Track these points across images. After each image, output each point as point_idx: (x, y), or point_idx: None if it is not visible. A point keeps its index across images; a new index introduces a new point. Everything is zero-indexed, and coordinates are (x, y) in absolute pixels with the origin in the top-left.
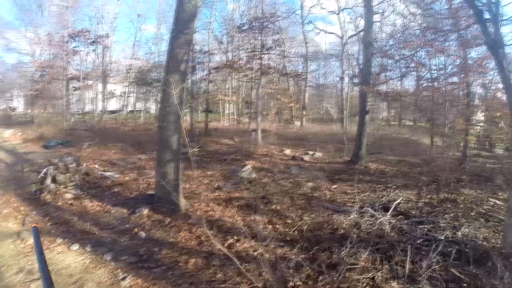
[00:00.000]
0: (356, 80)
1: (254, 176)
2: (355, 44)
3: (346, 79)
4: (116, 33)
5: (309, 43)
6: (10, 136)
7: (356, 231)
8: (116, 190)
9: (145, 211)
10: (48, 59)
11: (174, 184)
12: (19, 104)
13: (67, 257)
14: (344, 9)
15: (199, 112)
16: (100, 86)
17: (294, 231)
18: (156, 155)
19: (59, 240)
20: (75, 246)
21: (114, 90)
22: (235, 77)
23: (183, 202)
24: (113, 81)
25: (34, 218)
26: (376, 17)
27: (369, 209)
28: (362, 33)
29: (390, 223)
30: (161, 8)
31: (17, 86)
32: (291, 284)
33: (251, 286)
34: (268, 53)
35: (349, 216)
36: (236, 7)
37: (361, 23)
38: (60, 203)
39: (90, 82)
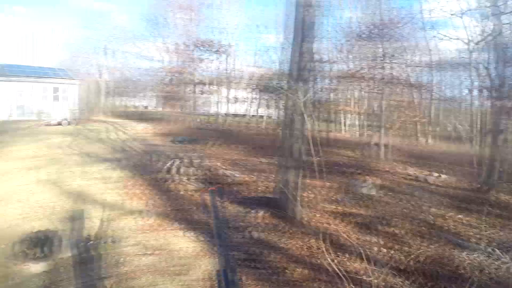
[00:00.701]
0: (486, 93)
1: (374, 193)
2: (487, 51)
3: (475, 92)
4: (237, 42)
5: (433, 50)
6: (142, 129)
7: (478, 274)
8: (235, 188)
9: (261, 213)
10: (176, 65)
11: (293, 191)
12: (150, 103)
13: (181, 241)
14: (467, 11)
15: (320, 121)
16: (224, 91)
17: (409, 260)
18: (278, 161)
19: (176, 225)
20: (190, 233)
21: (238, 95)
22: (357, 87)
23: (299, 210)
24: (237, 87)
25: (156, 201)
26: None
27: (496, 250)
28: (490, 38)
29: None
30: (280, 17)
31: (149, 88)
32: None
33: None
34: (389, 62)
35: (472, 254)
36: (354, 15)
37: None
38: (182, 193)
39: (215, 87)
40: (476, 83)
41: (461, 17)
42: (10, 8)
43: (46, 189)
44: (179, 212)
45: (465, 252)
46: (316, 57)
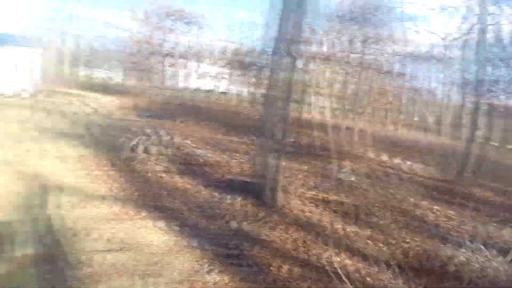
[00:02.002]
0: (461, 88)
1: (352, 179)
2: (463, 48)
3: (449, 86)
4: (210, 15)
5: (410, 42)
6: (107, 103)
7: (467, 271)
8: (207, 170)
9: (239, 199)
10: (145, 35)
11: (273, 176)
12: (117, 75)
13: (151, 234)
14: (445, 8)
15: (292, 102)
16: (194, 65)
17: (398, 254)
18: (257, 142)
19: (144, 213)
20: (161, 223)
21: (208, 70)
22: (332, 69)
23: (280, 197)
24: (207, 62)
25: (121, 186)
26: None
27: (481, 246)
28: (468, 35)
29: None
30: None
31: (115, 59)
32: None
33: None
34: (367, 48)
35: (458, 250)
36: None
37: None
38: (149, 175)
39: (185, 60)
40: (450, 78)
41: (440, 13)
42: None
43: None
44: (147, 198)
45: (451, 247)
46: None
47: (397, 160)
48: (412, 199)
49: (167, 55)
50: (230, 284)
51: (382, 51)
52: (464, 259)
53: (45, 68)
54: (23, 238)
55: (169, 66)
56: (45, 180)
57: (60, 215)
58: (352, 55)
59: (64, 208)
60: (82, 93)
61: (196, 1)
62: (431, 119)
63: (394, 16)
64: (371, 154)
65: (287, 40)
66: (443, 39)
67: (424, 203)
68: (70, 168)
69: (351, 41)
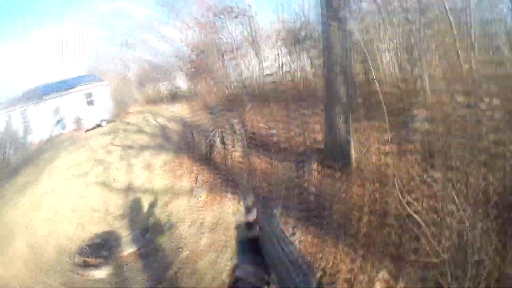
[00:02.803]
0: None
1: (427, 126)
2: None
3: None
4: (257, 3)
5: None
6: (177, 109)
7: None
8: (282, 146)
9: (314, 166)
10: (199, 39)
11: (345, 138)
12: (182, 83)
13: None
14: None
15: (356, 62)
16: (252, 54)
17: (477, 193)
18: (324, 109)
19: (229, 195)
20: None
21: (267, 55)
22: (389, 22)
23: (354, 156)
24: (265, 47)
25: (205, 176)
26: None
27: None
28: None
29: None
30: None
31: (177, 68)
32: (475, 257)
33: (429, 254)
34: None
35: None
36: None
37: None
38: (229, 162)
39: (242, 51)
40: None
41: None
42: (26, 32)
43: (96, 191)
44: (230, 182)
45: None
46: None
47: (472, 99)
48: (492, 136)
49: (224, 51)
50: (314, 241)
51: None
52: None
53: (116, 96)
54: (126, 240)
55: (228, 61)
56: (137, 189)
57: (155, 214)
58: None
59: (157, 207)
60: (153, 108)
61: None
62: (504, 50)
63: None
64: (444, 98)
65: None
66: None
67: (504, 138)
68: (157, 173)
69: None
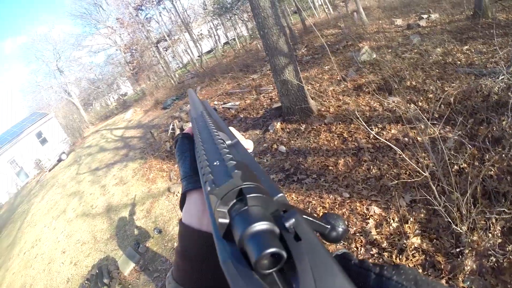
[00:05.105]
0: None
1: (374, 56)
2: None
3: None
4: None
5: None
6: (132, 115)
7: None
8: (242, 116)
9: (278, 125)
10: (129, 39)
11: (298, 88)
12: (127, 88)
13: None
14: None
15: (291, 15)
16: (186, 35)
17: (439, 105)
18: (270, 66)
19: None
20: None
21: (201, 32)
22: None
23: (312, 104)
24: (196, 25)
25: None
26: None
27: None
28: None
29: None
30: None
31: (117, 76)
32: (456, 167)
33: (411, 175)
34: None
35: (498, 77)
36: None
37: None
38: None
39: (175, 36)
40: None
41: None
42: None
43: (79, 224)
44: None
45: (490, 79)
46: None
47: (413, 19)
48: (438, 49)
49: (158, 41)
50: (299, 198)
51: None
52: (505, 85)
53: (66, 125)
54: (122, 261)
55: (164, 50)
56: (117, 207)
57: (142, 223)
58: None
59: (140, 217)
60: (107, 122)
61: None
62: None
63: None
64: (384, 25)
65: None
66: None
67: (449, 48)
68: (132, 184)
69: None
